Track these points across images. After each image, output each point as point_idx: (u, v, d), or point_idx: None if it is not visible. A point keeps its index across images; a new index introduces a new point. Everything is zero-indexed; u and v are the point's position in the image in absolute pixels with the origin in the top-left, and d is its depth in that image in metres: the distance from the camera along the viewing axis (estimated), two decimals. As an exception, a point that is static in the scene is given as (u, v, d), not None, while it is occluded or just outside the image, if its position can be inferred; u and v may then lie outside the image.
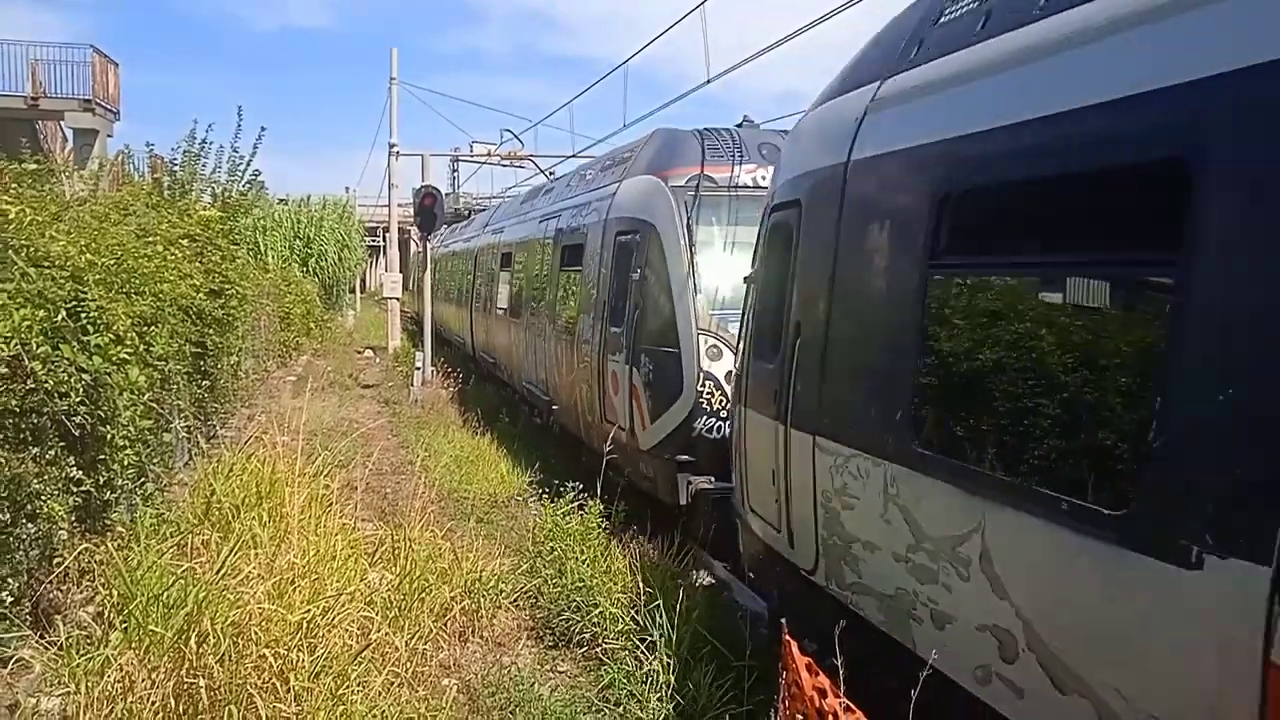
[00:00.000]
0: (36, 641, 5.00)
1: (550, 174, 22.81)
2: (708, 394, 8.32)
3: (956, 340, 4.10)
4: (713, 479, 8.12)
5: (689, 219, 8.67)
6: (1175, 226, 2.88)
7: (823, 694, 3.94)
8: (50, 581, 5.66)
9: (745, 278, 6.79)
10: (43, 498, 5.27)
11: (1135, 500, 3.02)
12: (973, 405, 3.98)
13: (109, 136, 26.92)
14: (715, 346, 8.31)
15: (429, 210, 19.78)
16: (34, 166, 8.75)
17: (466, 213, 29.48)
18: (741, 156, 9.00)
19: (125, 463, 6.15)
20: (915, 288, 4.29)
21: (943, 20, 4.65)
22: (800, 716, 4.06)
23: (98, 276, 6.13)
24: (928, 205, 4.23)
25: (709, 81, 14.29)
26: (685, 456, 8.36)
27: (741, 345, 6.73)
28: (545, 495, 8.69)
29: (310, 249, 35.33)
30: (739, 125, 9.75)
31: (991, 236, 4.13)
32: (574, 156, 23.46)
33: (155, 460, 7.16)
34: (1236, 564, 2.61)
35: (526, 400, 14.98)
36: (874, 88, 5.04)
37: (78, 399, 5.39)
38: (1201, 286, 2.85)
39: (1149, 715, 2.93)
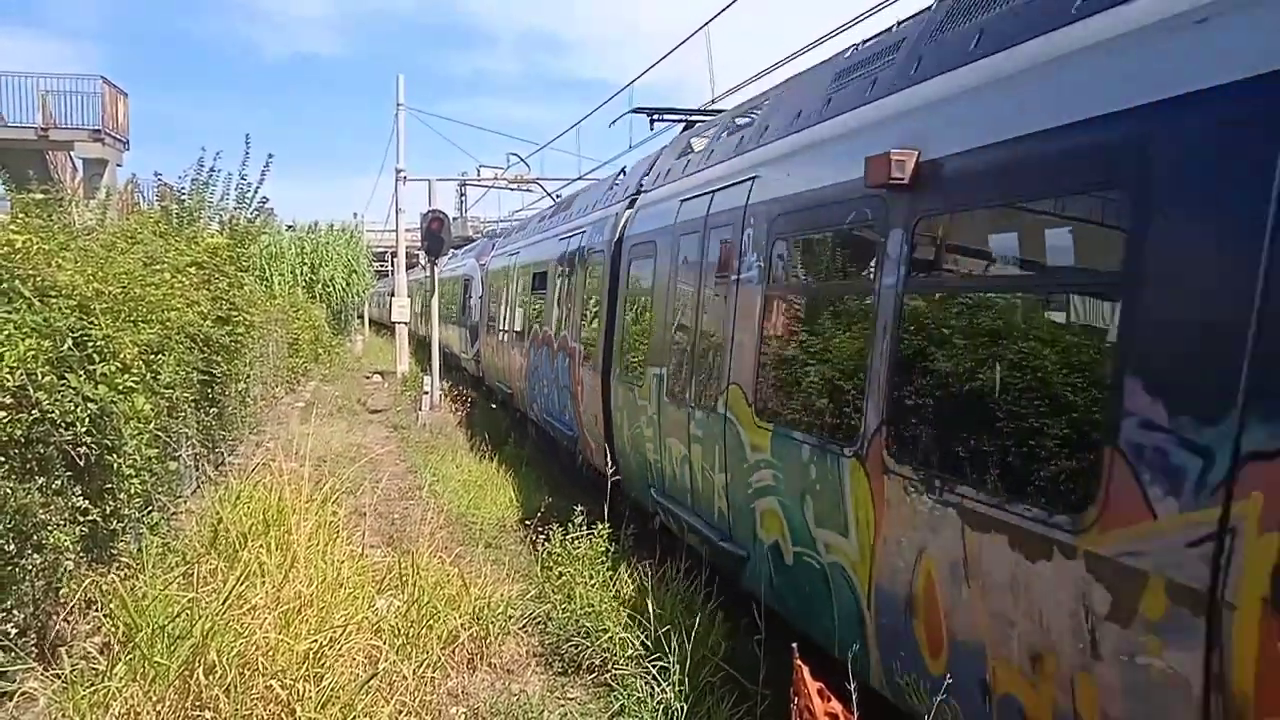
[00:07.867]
0: (42, 674, 4.96)
1: (557, 196, 22.83)
2: None
3: None
4: None
5: None
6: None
7: (836, 720, 3.88)
8: (56, 613, 5.63)
9: None
10: (49, 528, 5.25)
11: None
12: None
13: (118, 166, 27.12)
14: None
15: (436, 235, 19.86)
16: (41, 196, 8.79)
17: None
18: None
19: (132, 492, 6.14)
20: None
21: None
22: (814, 744, 3.99)
23: (104, 305, 6.13)
24: None
25: (714, 101, 14.32)
26: None
27: None
28: (554, 519, 8.63)
29: (317, 275, 35.46)
30: None
31: None
32: (580, 179, 23.55)
33: (162, 489, 7.14)
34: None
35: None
36: None
37: (84, 428, 5.37)
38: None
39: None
